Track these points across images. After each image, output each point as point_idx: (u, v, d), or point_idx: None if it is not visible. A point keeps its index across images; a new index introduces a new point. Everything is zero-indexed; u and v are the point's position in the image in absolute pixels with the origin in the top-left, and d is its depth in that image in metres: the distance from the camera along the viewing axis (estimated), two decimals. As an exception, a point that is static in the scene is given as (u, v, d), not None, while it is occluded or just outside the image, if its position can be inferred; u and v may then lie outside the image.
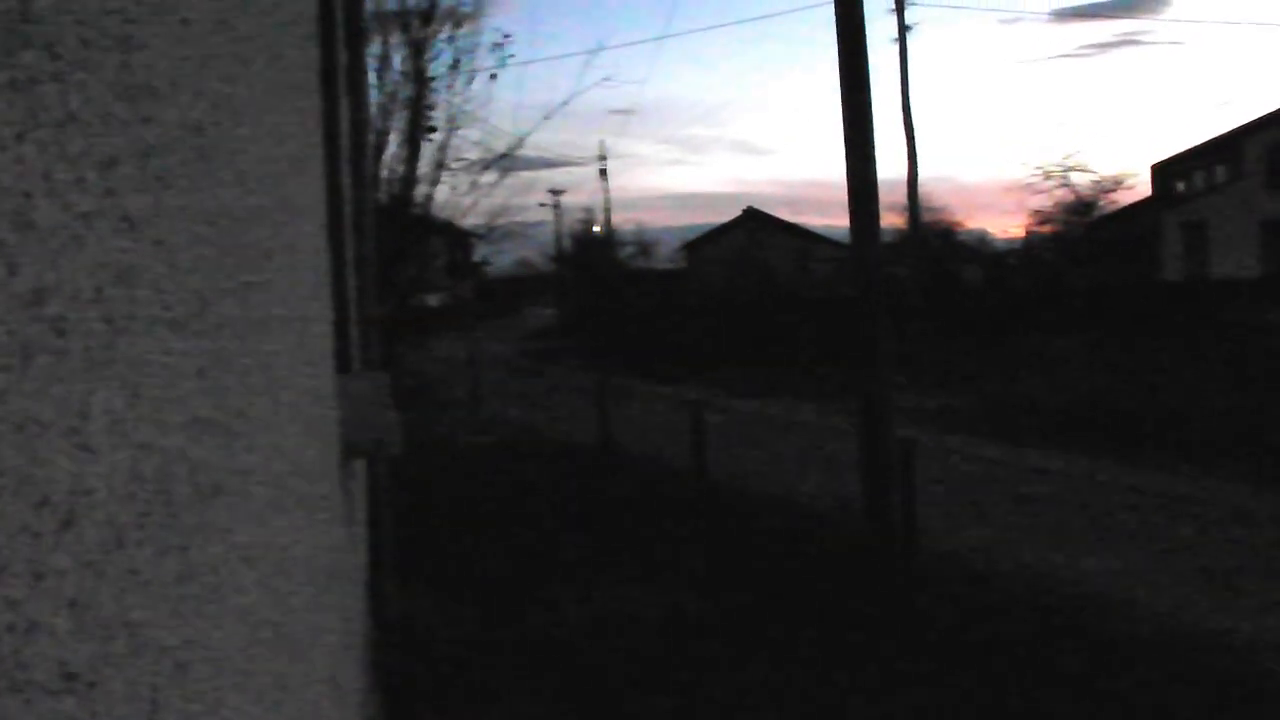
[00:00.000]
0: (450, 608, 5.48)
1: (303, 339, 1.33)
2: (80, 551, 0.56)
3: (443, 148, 10.58)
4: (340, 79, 3.31)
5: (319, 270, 1.68)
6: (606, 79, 29.79)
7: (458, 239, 14.86)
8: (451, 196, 11.11)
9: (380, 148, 9.80)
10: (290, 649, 1.10)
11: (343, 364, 2.72)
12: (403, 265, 10.40)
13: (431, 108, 10.17)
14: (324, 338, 1.62)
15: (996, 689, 4.30)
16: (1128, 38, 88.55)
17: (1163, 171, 36.40)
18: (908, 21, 22.52)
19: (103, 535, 0.59)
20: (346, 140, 3.79)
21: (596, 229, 43.54)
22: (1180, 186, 35.37)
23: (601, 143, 56.55)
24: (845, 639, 4.91)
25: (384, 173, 10.05)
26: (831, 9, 6.10)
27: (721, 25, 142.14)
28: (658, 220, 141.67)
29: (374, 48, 9.48)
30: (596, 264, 38.57)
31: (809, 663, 4.64)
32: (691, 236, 45.35)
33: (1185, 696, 4.20)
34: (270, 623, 1.00)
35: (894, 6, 22.24)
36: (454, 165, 10.86)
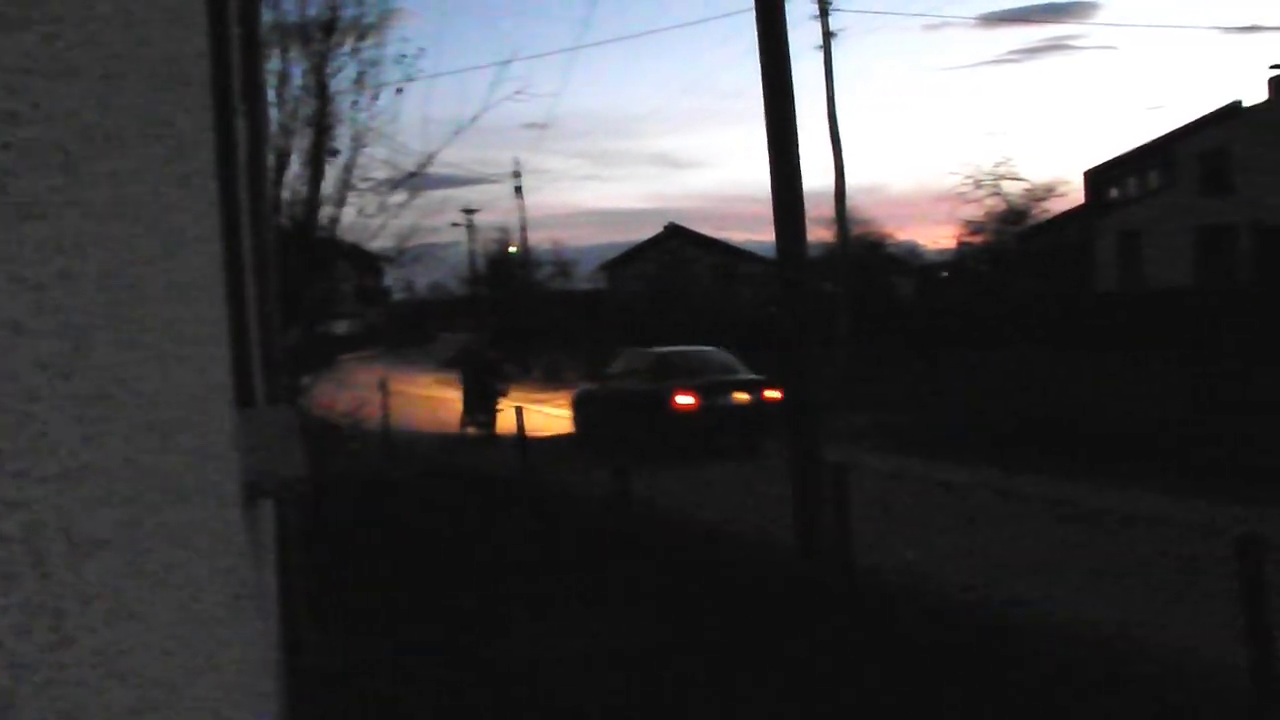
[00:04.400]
0: (357, 641, 5.33)
1: (198, 375, 1.25)
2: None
3: (348, 167, 10.25)
4: (235, 95, 3.18)
5: (215, 300, 1.59)
6: (519, 92, 29.21)
7: (366, 263, 14.50)
8: (359, 218, 10.77)
9: (282, 168, 9.47)
10: (190, 712, 1.02)
11: (245, 399, 2.60)
12: (308, 291, 10.05)
13: (335, 125, 9.87)
14: (222, 372, 1.53)
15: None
16: (1057, 43, 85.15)
17: (1096, 178, 35.65)
18: (831, 28, 21.92)
19: (-42, 608, 0.52)
20: (244, 160, 3.64)
21: (512, 249, 42.99)
22: (1114, 193, 34.51)
23: (515, 159, 55.95)
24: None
25: (286, 194, 9.71)
26: (753, 16, 6.03)
27: (638, 35, 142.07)
28: (576, 238, 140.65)
29: (273, 63, 9.16)
30: (512, 286, 38.15)
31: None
32: (611, 254, 45.20)
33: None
34: (165, 685, 0.92)
35: (817, 13, 21.77)
36: (361, 185, 10.55)
